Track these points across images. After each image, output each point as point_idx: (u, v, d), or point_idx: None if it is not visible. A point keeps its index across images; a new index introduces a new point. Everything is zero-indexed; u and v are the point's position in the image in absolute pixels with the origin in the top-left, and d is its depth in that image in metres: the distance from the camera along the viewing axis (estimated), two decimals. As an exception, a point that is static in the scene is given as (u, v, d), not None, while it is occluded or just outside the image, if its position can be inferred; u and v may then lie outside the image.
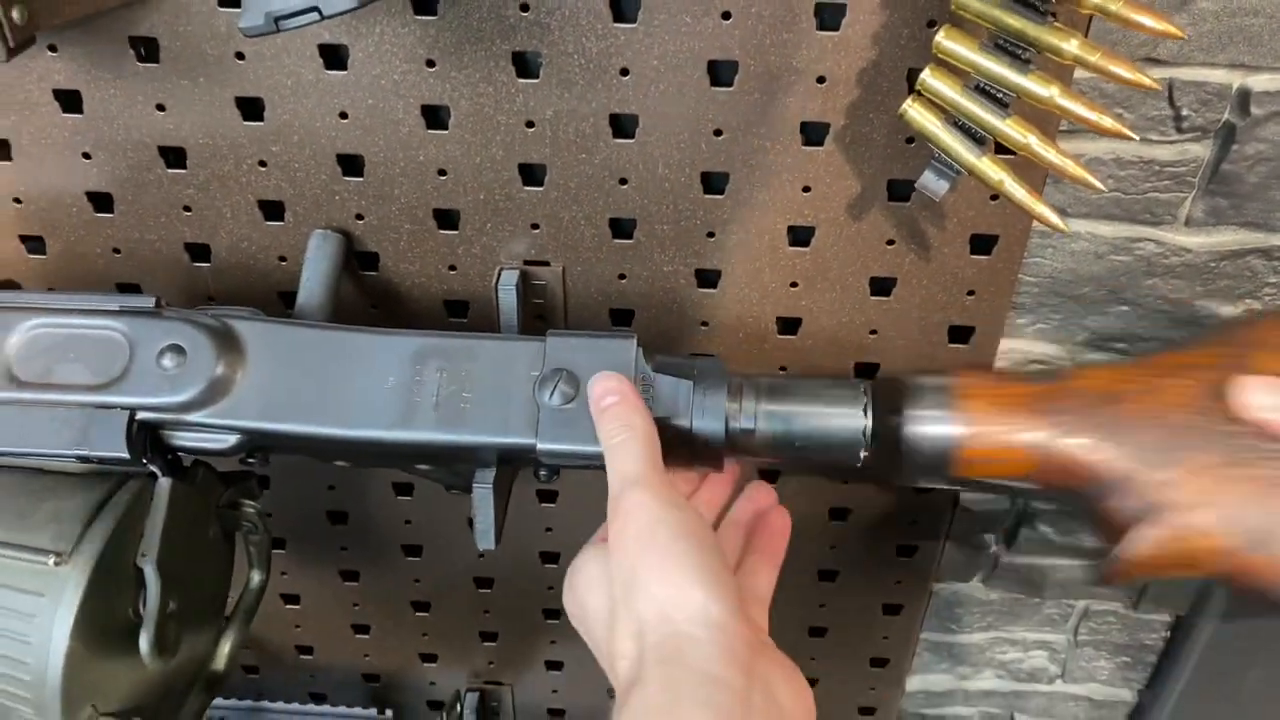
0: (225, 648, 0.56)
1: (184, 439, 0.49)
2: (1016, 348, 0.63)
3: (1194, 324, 0.61)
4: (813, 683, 0.81)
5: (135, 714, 0.49)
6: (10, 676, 0.45)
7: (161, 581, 0.48)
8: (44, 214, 0.59)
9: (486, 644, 0.79)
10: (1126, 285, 0.60)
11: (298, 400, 0.50)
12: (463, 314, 0.61)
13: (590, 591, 0.44)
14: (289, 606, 0.77)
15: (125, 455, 0.48)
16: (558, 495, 0.70)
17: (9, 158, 0.57)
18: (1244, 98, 0.52)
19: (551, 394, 0.49)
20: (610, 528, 0.43)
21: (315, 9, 0.42)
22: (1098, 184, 0.45)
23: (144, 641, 0.47)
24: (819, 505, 0.69)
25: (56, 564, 0.45)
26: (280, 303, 0.61)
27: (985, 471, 0.49)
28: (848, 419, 0.50)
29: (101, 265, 0.60)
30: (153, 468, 0.49)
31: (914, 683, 0.82)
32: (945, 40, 0.45)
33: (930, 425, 0.49)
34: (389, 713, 0.75)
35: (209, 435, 0.49)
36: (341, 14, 0.42)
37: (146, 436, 0.49)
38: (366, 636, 0.79)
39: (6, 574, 0.45)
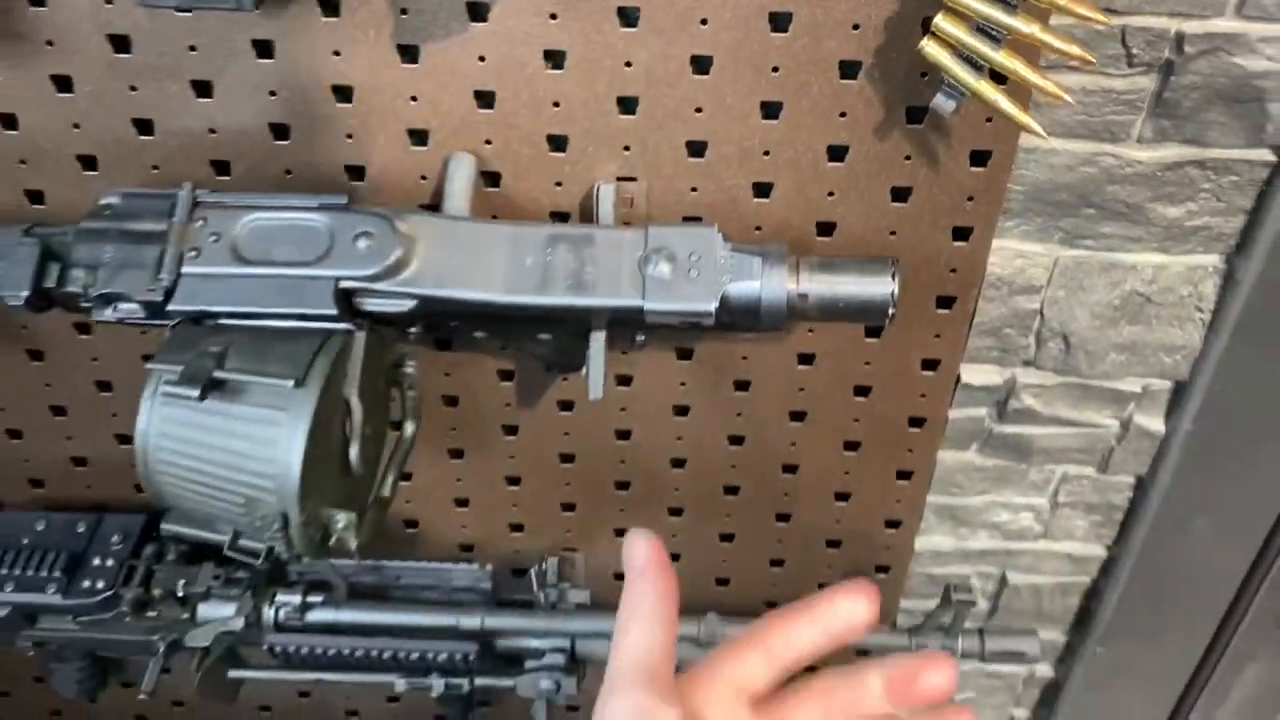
0: (390, 478, 0.71)
1: (373, 304, 0.64)
2: (1006, 245, 0.79)
3: (1148, 224, 0.77)
4: (837, 544, 0.97)
5: (341, 509, 0.64)
6: (260, 473, 0.60)
7: (361, 409, 0.63)
8: (232, 142, 0.73)
9: (565, 514, 0.94)
10: (1093, 192, 0.75)
11: (459, 273, 0.65)
12: (564, 223, 0.76)
13: None
14: (402, 483, 0.92)
15: (333, 312, 0.63)
16: (632, 379, 0.85)
17: (210, 95, 0.71)
18: (1180, 40, 0.68)
19: (655, 267, 0.64)
20: None
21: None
22: (1067, 97, 0.60)
23: (353, 451, 0.63)
24: (845, 383, 0.84)
25: (295, 387, 0.60)
26: (420, 213, 0.75)
27: None
28: (880, 285, 0.66)
29: (275, 186, 0.75)
30: (351, 325, 0.64)
31: (921, 543, 0.97)
32: (953, -8, 0.61)
33: None
34: (489, 567, 0.90)
35: (393, 300, 0.64)
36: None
37: (346, 300, 0.64)
38: (466, 509, 0.94)
39: (257, 394, 0.60)
